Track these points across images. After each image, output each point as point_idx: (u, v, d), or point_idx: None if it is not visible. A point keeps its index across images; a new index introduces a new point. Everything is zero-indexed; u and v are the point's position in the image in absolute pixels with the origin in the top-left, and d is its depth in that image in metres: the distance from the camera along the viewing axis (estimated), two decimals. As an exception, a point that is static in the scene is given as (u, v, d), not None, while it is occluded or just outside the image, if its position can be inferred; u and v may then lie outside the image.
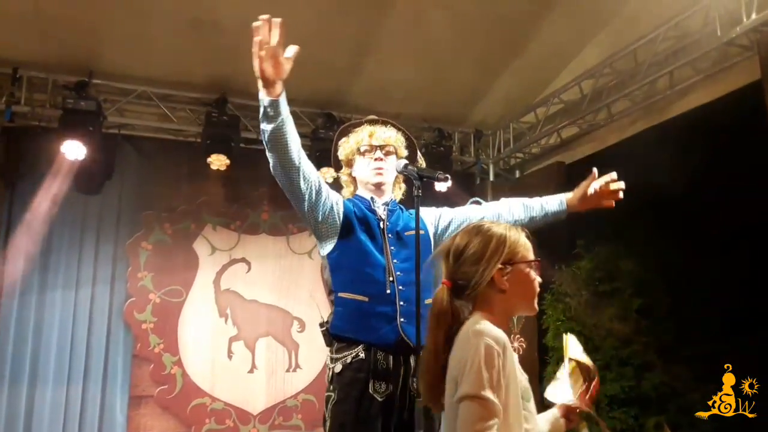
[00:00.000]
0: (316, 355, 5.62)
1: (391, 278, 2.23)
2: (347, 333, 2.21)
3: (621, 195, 2.36)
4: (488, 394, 1.41)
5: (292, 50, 1.95)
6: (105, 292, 5.25)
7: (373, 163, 2.38)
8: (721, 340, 4.10)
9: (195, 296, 5.51)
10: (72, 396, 4.98)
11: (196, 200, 5.61)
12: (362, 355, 2.16)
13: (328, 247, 2.28)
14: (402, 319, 2.18)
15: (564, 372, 1.84)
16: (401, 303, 2.20)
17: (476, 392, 1.41)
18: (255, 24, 1.90)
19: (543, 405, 1.76)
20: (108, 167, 5.03)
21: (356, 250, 2.25)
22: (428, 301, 2.32)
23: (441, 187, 4.88)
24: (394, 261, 2.26)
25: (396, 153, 2.41)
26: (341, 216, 2.28)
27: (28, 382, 4.88)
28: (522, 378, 1.58)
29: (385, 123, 2.44)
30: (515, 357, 1.54)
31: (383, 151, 2.38)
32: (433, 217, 2.44)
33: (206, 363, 5.42)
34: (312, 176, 2.21)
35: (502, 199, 2.51)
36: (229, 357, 5.48)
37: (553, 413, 1.78)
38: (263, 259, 5.76)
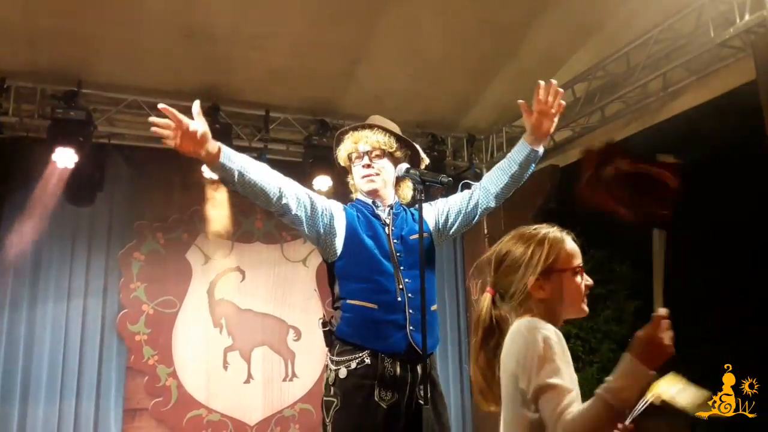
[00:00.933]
0: (312, 364, 5.58)
1: (400, 286, 2.21)
2: (354, 339, 2.18)
3: (560, 99, 2.20)
4: (556, 380, 1.41)
5: (196, 107, 1.96)
6: (97, 304, 5.16)
7: (362, 171, 2.36)
8: (721, 340, 4.10)
9: (189, 306, 5.44)
10: (65, 411, 4.87)
11: (188, 209, 5.54)
12: (368, 360, 2.13)
13: (334, 255, 2.26)
14: (411, 328, 2.16)
15: None
16: (410, 311, 2.18)
17: (545, 382, 1.41)
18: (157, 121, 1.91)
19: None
20: (98, 177, 4.96)
21: (364, 257, 2.23)
22: (434, 307, 2.31)
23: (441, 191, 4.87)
24: (402, 268, 2.24)
25: (391, 155, 2.38)
26: (344, 224, 2.25)
27: (20, 398, 4.77)
28: None
29: (371, 127, 2.39)
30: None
31: (371, 156, 2.35)
32: (433, 214, 2.42)
33: (201, 374, 5.35)
34: (301, 196, 2.20)
35: (485, 174, 2.49)
36: (225, 367, 5.42)
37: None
38: (257, 267, 5.70)
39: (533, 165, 2.40)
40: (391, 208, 2.36)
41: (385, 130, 2.39)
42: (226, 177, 2.04)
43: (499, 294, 1.63)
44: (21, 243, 4.90)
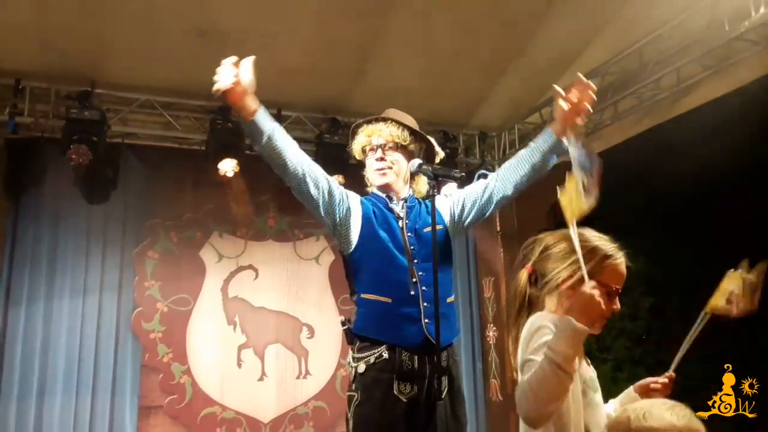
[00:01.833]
0: (325, 362, 5.59)
1: (414, 279, 2.22)
2: (371, 333, 2.20)
3: (593, 95, 2.05)
4: (536, 357, 1.49)
5: (250, 59, 1.98)
6: (112, 300, 5.21)
7: (375, 164, 2.37)
8: (721, 340, 4.07)
9: (203, 304, 5.48)
10: (81, 408, 4.93)
11: (201, 208, 5.58)
12: (386, 355, 2.15)
13: (350, 247, 2.27)
14: (426, 320, 2.17)
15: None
16: (425, 304, 2.19)
17: (528, 357, 1.52)
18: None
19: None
20: (112, 177, 5.02)
21: (378, 250, 2.24)
22: (450, 299, 2.31)
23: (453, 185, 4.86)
24: (416, 261, 2.25)
25: (405, 148, 2.38)
26: (360, 216, 2.26)
27: (37, 394, 4.83)
28: (588, 369, 1.65)
29: (385, 120, 2.40)
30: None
31: (384, 150, 2.36)
32: (447, 207, 2.41)
33: (215, 371, 5.39)
34: (321, 180, 2.21)
35: (503, 164, 2.38)
36: (239, 365, 5.45)
37: (626, 392, 1.89)
38: (270, 265, 5.73)
39: (555, 157, 2.24)
40: (405, 202, 2.37)
41: (399, 124, 2.39)
42: (255, 136, 2.12)
43: (535, 276, 1.69)
44: (37, 241, 4.98)
